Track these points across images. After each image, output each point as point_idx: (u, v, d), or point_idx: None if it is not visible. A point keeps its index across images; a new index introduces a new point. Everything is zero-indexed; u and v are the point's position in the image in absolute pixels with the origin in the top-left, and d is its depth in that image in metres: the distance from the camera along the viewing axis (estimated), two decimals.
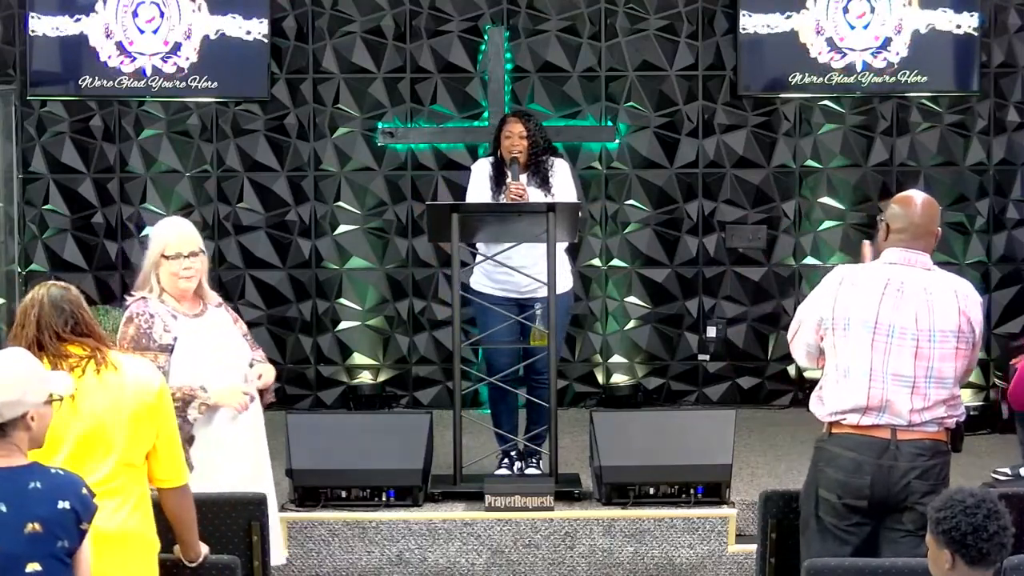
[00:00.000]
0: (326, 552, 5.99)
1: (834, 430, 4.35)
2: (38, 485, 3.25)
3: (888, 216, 4.44)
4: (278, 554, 5.09)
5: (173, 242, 4.83)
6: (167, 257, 4.81)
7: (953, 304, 4.32)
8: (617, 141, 8.44)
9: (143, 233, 8.28)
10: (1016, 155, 8.50)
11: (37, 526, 3.21)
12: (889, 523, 4.29)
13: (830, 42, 8.36)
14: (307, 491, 6.01)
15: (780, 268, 8.55)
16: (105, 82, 8.30)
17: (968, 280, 4.48)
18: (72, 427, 3.68)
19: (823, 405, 4.38)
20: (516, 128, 6.46)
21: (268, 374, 5.05)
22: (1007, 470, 6.59)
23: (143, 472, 3.83)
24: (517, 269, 6.31)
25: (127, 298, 4.93)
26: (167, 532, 3.99)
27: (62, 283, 3.95)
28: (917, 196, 4.47)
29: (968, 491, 3.35)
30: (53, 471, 3.32)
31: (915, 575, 3.81)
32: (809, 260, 8.51)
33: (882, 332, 4.30)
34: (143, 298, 4.84)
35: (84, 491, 3.30)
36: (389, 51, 8.47)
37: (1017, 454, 6.64)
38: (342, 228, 8.50)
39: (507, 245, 6.32)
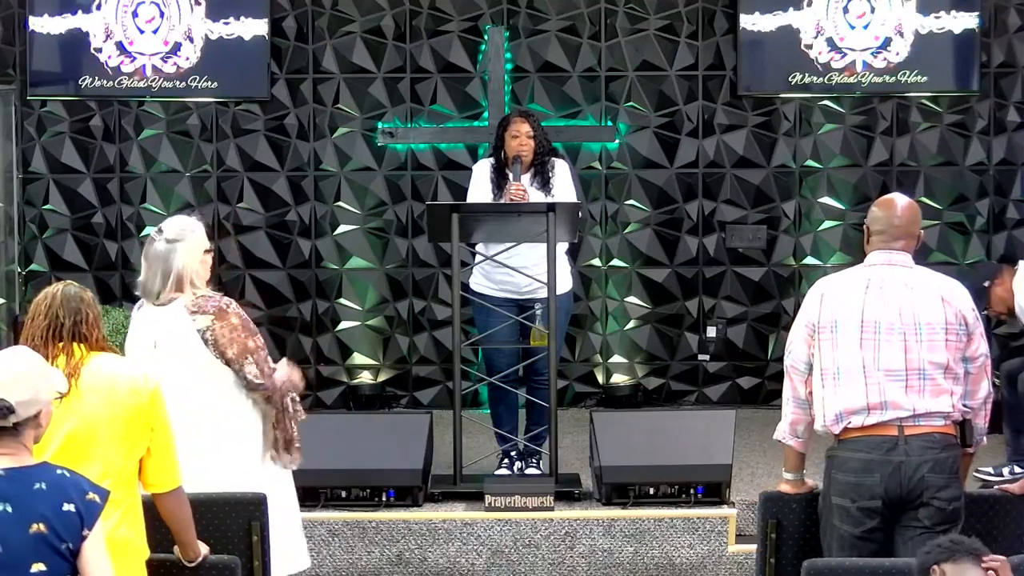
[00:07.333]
0: (326, 552, 5.99)
1: (842, 436, 4.34)
2: (43, 486, 3.24)
3: (869, 219, 4.51)
4: (299, 559, 4.91)
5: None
6: (208, 252, 4.74)
7: (936, 296, 4.35)
8: (617, 141, 8.43)
9: (143, 233, 8.30)
10: (1016, 155, 8.50)
11: (42, 527, 3.20)
12: (905, 520, 4.27)
13: (830, 42, 8.36)
14: (307, 491, 5.99)
15: (780, 268, 8.55)
16: (105, 82, 8.30)
17: (957, 278, 4.49)
18: (58, 431, 3.66)
19: (820, 415, 4.37)
20: (523, 128, 6.45)
21: None
22: (990, 469, 6.57)
23: (134, 479, 3.82)
24: (517, 269, 6.30)
25: (207, 297, 4.67)
26: (166, 532, 3.99)
27: (78, 285, 3.95)
28: (898, 199, 4.53)
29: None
30: (59, 471, 3.31)
31: None
32: (809, 260, 8.51)
33: (869, 329, 4.32)
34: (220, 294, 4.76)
35: (89, 495, 3.29)
36: (389, 51, 8.46)
37: (1004, 453, 6.64)
38: (342, 228, 8.49)
39: (507, 245, 6.32)
